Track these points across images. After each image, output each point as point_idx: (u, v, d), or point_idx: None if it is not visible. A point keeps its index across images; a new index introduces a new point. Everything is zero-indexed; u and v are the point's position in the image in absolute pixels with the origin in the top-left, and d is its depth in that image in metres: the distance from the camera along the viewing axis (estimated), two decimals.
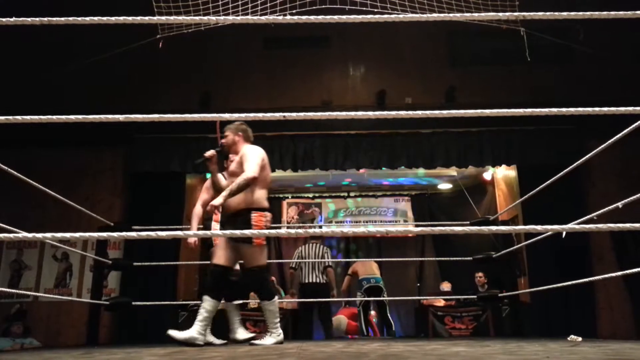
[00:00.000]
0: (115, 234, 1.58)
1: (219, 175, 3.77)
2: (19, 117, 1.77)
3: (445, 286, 7.39)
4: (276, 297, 3.59)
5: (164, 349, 3.20)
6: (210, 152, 3.61)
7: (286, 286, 8.48)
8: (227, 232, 1.71)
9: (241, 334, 3.93)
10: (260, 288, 3.58)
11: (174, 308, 6.32)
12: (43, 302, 6.42)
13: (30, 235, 1.66)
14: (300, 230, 1.64)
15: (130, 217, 6.49)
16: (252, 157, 3.46)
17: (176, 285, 6.75)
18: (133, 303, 4.65)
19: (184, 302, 6.51)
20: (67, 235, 1.55)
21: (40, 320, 6.39)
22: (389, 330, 6.94)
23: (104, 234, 1.61)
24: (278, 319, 3.52)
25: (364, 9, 4.99)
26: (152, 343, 5.14)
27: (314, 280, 6.06)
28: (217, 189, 3.67)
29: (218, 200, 3.26)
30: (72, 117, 1.79)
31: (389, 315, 7.06)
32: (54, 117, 1.79)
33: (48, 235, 1.59)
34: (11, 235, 1.64)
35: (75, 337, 6.20)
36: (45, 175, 5.06)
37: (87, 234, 1.55)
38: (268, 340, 3.45)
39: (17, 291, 5.96)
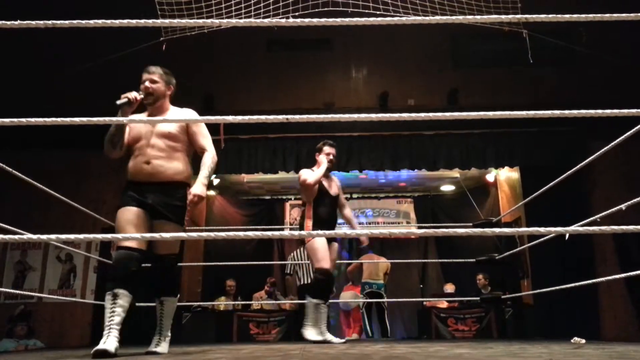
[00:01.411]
0: (119, 236, 1.59)
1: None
2: (23, 120, 1.78)
3: (449, 288, 7.38)
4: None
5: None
6: (135, 95, 2.77)
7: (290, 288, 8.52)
8: (246, 233, 1.71)
9: (332, 337, 4.08)
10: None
11: (177, 309, 6.30)
12: (47, 303, 6.44)
13: (35, 236, 1.67)
14: (303, 232, 1.64)
15: None
16: (207, 133, 2.98)
17: (179, 286, 6.76)
18: (136, 304, 4.65)
19: (187, 303, 6.53)
20: (72, 236, 1.57)
21: (44, 321, 6.41)
22: (384, 335, 7.03)
23: (108, 236, 1.62)
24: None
25: (366, 11, 5.00)
26: None
27: (310, 282, 6.13)
28: (115, 142, 2.87)
29: (201, 189, 2.76)
30: (77, 119, 1.80)
31: (386, 320, 7.14)
32: (59, 119, 1.80)
33: (52, 236, 1.60)
34: (16, 236, 1.65)
35: (79, 338, 6.23)
36: (50, 177, 5.08)
37: (91, 236, 1.56)
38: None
39: (21, 292, 5.99)
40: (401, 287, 8.43)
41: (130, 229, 2.61)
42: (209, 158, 2.86)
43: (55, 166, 6.61)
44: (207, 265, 7.38)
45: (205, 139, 2.92)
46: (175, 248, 2.90)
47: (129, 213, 2.70)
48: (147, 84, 2.89)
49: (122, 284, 2.58)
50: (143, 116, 2.94)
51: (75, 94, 6.77)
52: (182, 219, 2.82)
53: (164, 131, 2.83)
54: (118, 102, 2.71)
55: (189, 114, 2.92)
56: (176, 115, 2.93)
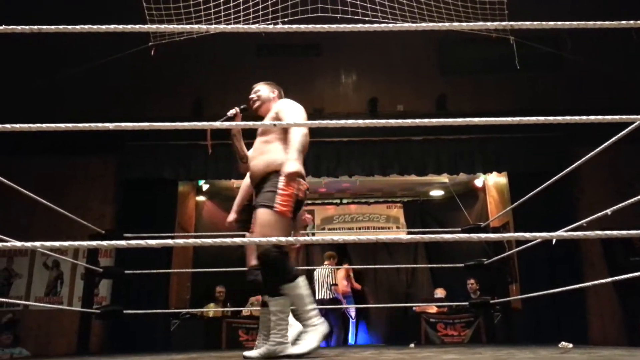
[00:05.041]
0: (104, 243, 1.57)
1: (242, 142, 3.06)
2: (7, 125, 1.76)
3: (440, 292, 7.40)
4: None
5: (154, 357, 3.18)
6: (233, 111, 2.96)
7: None
8: (240, 239, 1.70)
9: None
10: None
11: (166, 316, 6.29)
12: (33, 310, 6.36)
13: (19, 244, 1.65)
14: (290, 238, 1.64)
15: (121, 225, 6.45)
16: (293, 112, 2.84)
17: (168, 293, 6.72)
18: (124, 311, 4.62)
19: (175, 310, 6.48)
20: (57, 244, 1.55)
21: (30, 329, 6.33)
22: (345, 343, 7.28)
23: (94, 243, 1.60)
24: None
25: (355, 17, 5.02)
26: (143, 352, 5.11)
27: (322, 297, 6.80)
28: (236, 155, 3.02)
29: (291, 166, 2.57)
30: (62, 125, 1.78)
31: (350, 329, 7.41)
32: (44, 125, 1.79)
33: (37, 244, 1.59)
34: (0, 244, 1.63)
35: (66, 346, 6.15)
36: (36, 183, 5.04)
37: (76, 243, 1.54)
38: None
39: (7, 300, 5.91)
40: (390, 291, 8.45)
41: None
42: (294, 134, 2.68)
43: (42, 172, 6.55)
44: (196, 272, 7.34)
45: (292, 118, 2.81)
46: (264, 234, 2.51)
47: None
48: (252, 95, 3.11)
49: None
50: None
51: (64, 99, 6.73)
52: (270, 201, 2.61)
53: (260, 131, 2.89)
54: (221, 120, 2.84)
55: (281, 104, 2.94)
56: (269, 114, 2.97)
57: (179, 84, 7.08)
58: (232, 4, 5.11)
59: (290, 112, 2.81)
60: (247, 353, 2.69)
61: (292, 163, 2.56)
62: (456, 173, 7.06)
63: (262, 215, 2.60)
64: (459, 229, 5.32)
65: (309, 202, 9.23)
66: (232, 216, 3.46)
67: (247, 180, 3.28)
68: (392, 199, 9.15)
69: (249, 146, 2.99)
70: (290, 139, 2.66)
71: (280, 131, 2.77)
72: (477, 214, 8.13)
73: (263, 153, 2.77)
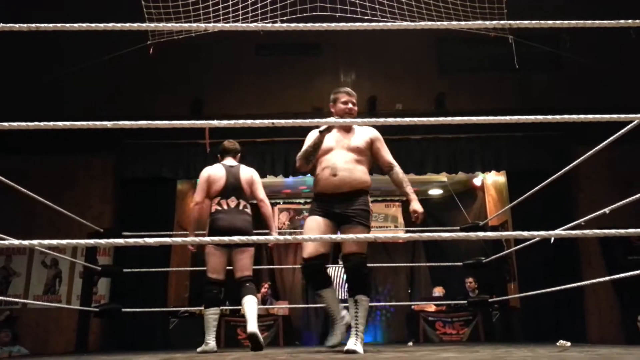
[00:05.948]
0: (103, 241, 1.57)
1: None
2: (5, 124, 1.76)
3: (438, 291, 7.41)
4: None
5: (153, 356, 3.18)
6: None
7: (279, 292, 8.59)
8: (226, 238, 1.71)
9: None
10: None
11: (164, 314, 6.28)
12: (32, 309, 6.36)
13: (17, 242, 1.65)
14: (289, 237, 1.64)
15: (120, 223, 6.45)
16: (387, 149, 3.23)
17: (166, 291, 6.72)
18: (123, 310, 4.62)
19: (174, 309, 6.48)
20: (55, 242, 1.55)
21: (29, 328, 6.33)
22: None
23: (92, 241, 1.60)
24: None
25: (354, 16, 5.02)
26: (141, 350, 5.11)
27: (340, 297, 6.77)
28: (310, 158, 3.14)
29: (419, 205, 3.07)
30: (60, 123, 1.78)
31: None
32: (42, 123, 1.79)
33: (36, 242, 1.58)
34: None
35: (64, 344, 6.15)
36: (35, 181, 5.04)
37: (74, 241, 1.54)
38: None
39: (5, 298, 5.90)
40: (389, 291, 8.46)
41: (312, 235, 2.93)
42: (402, 172, 3.17)
43: (41, 170, 6.54)
44: (195, 270, 7.33)
45: (389, 154, 3.22)
46: (363, 248, 2.98)
47: (313, 222, 3.01)
48: (350, 105, 3.17)
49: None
50: (332, 134, 3.18)
51: (63, 98, 6.72)
52: (368, 221, 2.99)
53: (352, 146, 3.11)
54: (321, 129, 3.00)
55: (370, 132, 3.20)
56: (360, 133, 3.18)
57: (178, 83, 7.07)
58: (230, 3, 5.10)
59: (386, 147, 3.23)
60: (330, 342, 3.30)
61: (420, 205, 3.07)
62: (455, 172, 7.05)
63: (362, 232, 2.94)
64: (458, 227, 5.33)
65: (308, 200, 9.24)
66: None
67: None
68: (391, 197, 9.15)
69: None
70: (404, 180, 3.17)
71: (370, 157, 3.18)
72: (475, 212, 8.14)
73: (355, 170, 3.07)
